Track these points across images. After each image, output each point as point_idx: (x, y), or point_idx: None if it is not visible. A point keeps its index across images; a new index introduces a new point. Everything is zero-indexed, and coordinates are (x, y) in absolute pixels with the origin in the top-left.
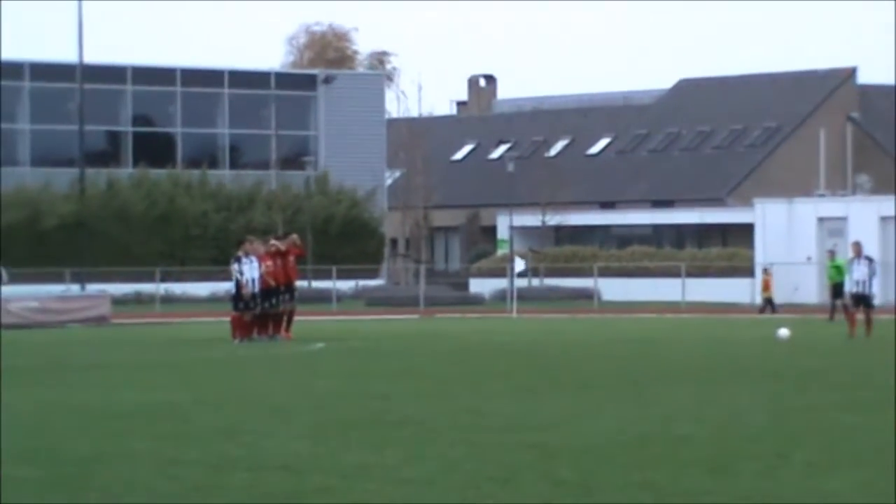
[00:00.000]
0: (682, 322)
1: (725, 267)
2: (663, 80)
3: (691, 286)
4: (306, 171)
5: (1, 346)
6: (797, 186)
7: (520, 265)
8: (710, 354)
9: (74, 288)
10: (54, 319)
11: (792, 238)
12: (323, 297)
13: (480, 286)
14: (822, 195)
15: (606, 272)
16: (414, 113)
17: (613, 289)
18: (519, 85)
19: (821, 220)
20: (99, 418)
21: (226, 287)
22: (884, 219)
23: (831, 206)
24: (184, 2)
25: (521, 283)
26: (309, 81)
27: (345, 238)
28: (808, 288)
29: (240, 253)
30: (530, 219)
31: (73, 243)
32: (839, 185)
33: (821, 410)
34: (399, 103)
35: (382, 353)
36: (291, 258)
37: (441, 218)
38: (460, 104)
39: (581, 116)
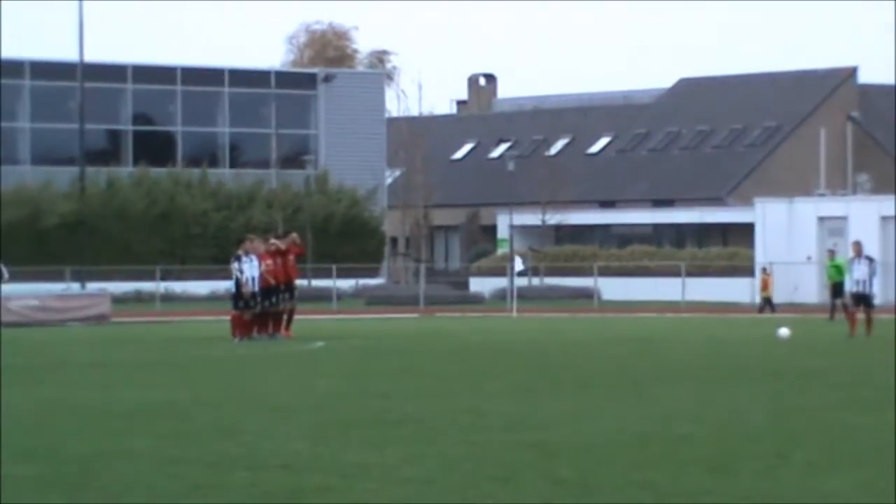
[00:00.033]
0: (682, 321)
1: (725, 266)
2: (663, 80)
3: (691, 286)
4: (306, 169)
5: (1, 344)
6: (797, 186)
7: (520, 264)
8: (710, 354)
9: (75, 286)
10: (54, 318)
11: (792, 237)
12: (323, 296)
13: (480, 285)
14: (822, 195)
15: (606, 271)
16: (414, 112)
17: (613, 288)
18: (519, 84)
19: (821, 219)
20: (99, 417)
21: (226, 286)
22: (884, 218)
23: (831, 206)
24: (184, 1)
25: (521, 282)
26: (309, 80)
27: (345, 237)
28: (808, 287)
29: (240, 251)
30: (530, 218)
31: (73, 242)
32: (839, 185)
33: (821, 410)
34: (399, 102)
35: (382, 351)
36: (291, 257)
37: (441, 217)
38: (460, 103)
39: (581, 115)
